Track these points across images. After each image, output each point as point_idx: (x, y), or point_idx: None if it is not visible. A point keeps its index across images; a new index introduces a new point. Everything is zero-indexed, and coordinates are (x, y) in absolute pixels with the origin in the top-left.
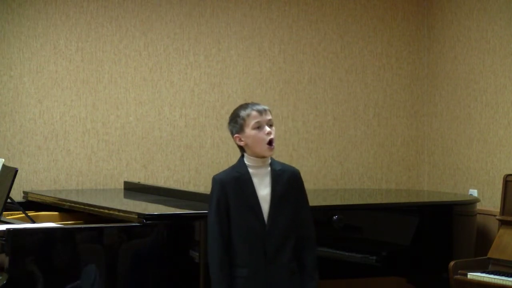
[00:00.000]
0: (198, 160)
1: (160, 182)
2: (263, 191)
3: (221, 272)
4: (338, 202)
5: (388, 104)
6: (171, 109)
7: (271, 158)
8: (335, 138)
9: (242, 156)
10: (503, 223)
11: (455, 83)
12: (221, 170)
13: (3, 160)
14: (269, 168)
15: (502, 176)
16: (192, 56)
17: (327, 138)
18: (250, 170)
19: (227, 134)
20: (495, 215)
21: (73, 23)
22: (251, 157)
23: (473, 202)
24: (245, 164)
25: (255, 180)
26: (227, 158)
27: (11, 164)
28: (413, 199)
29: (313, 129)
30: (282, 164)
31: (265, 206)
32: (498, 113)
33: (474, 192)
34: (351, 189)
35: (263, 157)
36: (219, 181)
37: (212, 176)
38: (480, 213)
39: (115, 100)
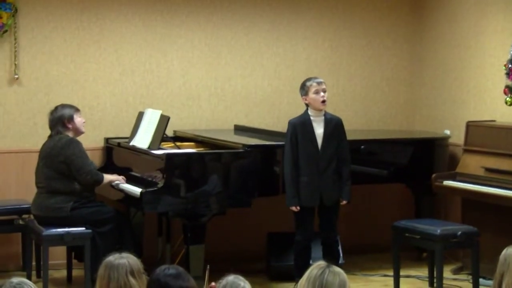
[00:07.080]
0: (278, 112)
1: (255, 125)
2: (319, 130)
3: (291, 178)
4: (364, 137)
5: (397, 77)
6: (263, 81)
7: (325, 111)
8: (363, 100)
9: (307, 109)
10: (465, 151)
11: (442, 63)
12: (292, 117)
13: (161, 111)
14: (323, 117)
15: (465, 122)
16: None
17: (356, 100)
18: (311, 118)
19: (295, 97)
20: (460, 146)
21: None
22: (312, 110)
23: (446, 137)
24: (308, 114)
25: (314, 124)
26: (296, 110)
27: (166, 114)
28: (410, 135)
29: (348, 93)
30: (331, 115)
31: (319, 140)
32: (464, 83)
33: (447, 132)
34: (373, 130)
35: (319, 110)
36: (292, 124)
37: (287, 121)
38: (451, 145)
39: (229, 75)
